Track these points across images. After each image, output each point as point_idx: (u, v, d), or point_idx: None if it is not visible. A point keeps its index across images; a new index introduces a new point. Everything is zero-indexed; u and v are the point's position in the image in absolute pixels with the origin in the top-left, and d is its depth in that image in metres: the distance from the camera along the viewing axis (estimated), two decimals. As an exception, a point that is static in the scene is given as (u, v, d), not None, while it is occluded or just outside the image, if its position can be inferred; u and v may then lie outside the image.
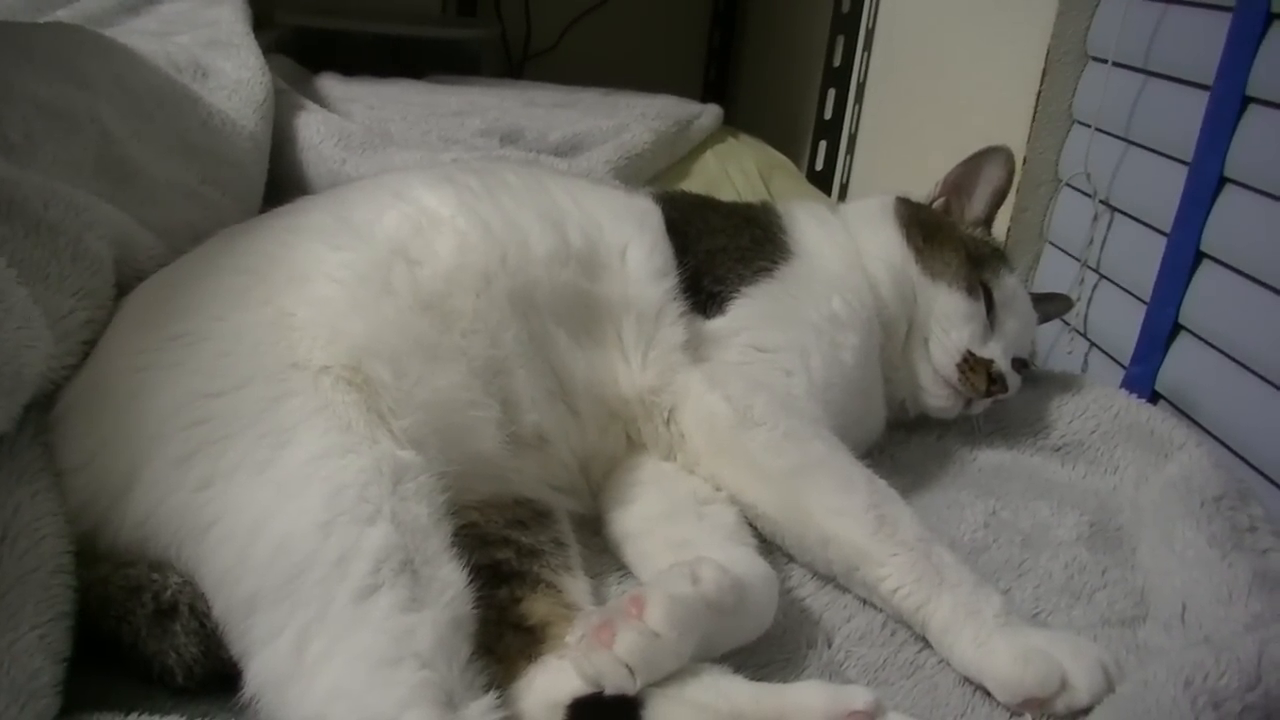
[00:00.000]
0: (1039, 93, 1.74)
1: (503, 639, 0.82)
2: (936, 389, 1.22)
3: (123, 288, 0.99)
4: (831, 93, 2.33)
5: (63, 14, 1.74)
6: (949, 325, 1.22)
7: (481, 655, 0.77)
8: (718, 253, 1.17)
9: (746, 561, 0.93)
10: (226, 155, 1.44)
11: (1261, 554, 1.03)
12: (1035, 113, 1.75)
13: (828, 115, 2.34)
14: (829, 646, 0.91)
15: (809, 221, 1.27)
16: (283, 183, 1.62)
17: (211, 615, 0.75)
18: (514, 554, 0.89)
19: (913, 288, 1.24)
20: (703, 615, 0.82)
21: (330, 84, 2.04)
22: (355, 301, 0.91)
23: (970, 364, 1.20)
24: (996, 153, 1.33)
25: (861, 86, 2.25)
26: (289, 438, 0.79)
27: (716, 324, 1.12)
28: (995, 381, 1.20)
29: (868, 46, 2.22)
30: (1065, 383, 1.35)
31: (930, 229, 1.28)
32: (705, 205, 1.29)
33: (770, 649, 0.89)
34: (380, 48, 2.42)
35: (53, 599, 0.74)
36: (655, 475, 1.07)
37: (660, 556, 0.95)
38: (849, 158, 2.29)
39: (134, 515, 0.80)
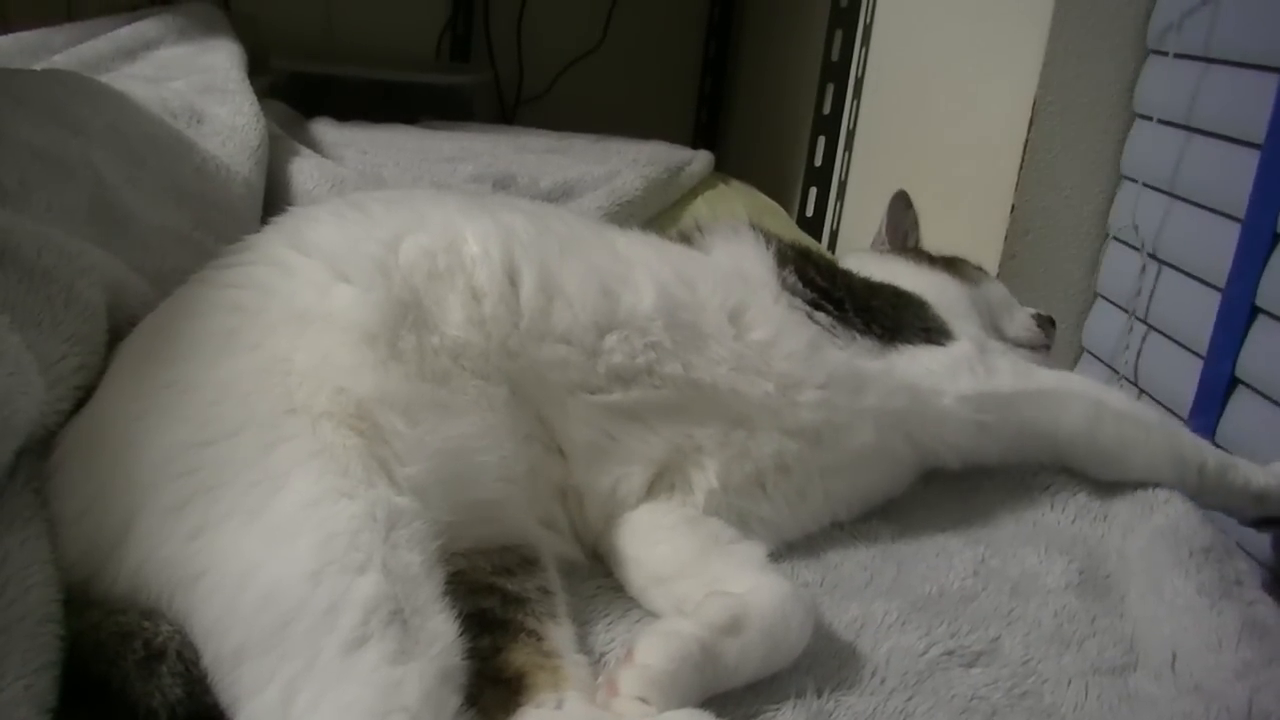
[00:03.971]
0: (1026, 142, 1.76)
1: (483, 692, 0.81)
2: (1036, 359, 1.38)
3: (115, 333, 0.98)
4: (821, 140, 2.35)
5: (59, 60, 1.75)
6: (1007, 305, 1.47)
7: (467, 708, 0.76)
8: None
9: (768, 586, 0.94)
10: (220, 201, 1.45)
11: (1248, 605, 1.03)
12: (1023, 161, 1.77)
13: (818, 162, 2.36)
14: (818, 696, 0.90)
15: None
16: (276, 228, 1.63)
17: (199, 662, 0.74)
18: (499, 602, 0.88)
19: (977, 307, 1.38)
20: (703, 640, 0.84)
21: (324, 129, 2.05)
22: (363, 363, 0.90)
23: (1039, 320, 1.47)
24: (899, 197, 1.58)
25: (851, 134, 2.27)
26: (281, 484, 0.78)
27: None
28: (1052, 323, 1.49)
29: (857, 94, 2.24)
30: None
31: (937, 259, 1.45)
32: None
33: (758, 699, 0.89)
34: (374, 93, 2.45)
35: (40, 649, 0.73)
36: (678, 521, 1.06)
37: (696, 597, 0.94)
38: (839, 204, 2.30)
39: (128, 565, 0.79)
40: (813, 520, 1.17)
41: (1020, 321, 1.46)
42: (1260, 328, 1.39)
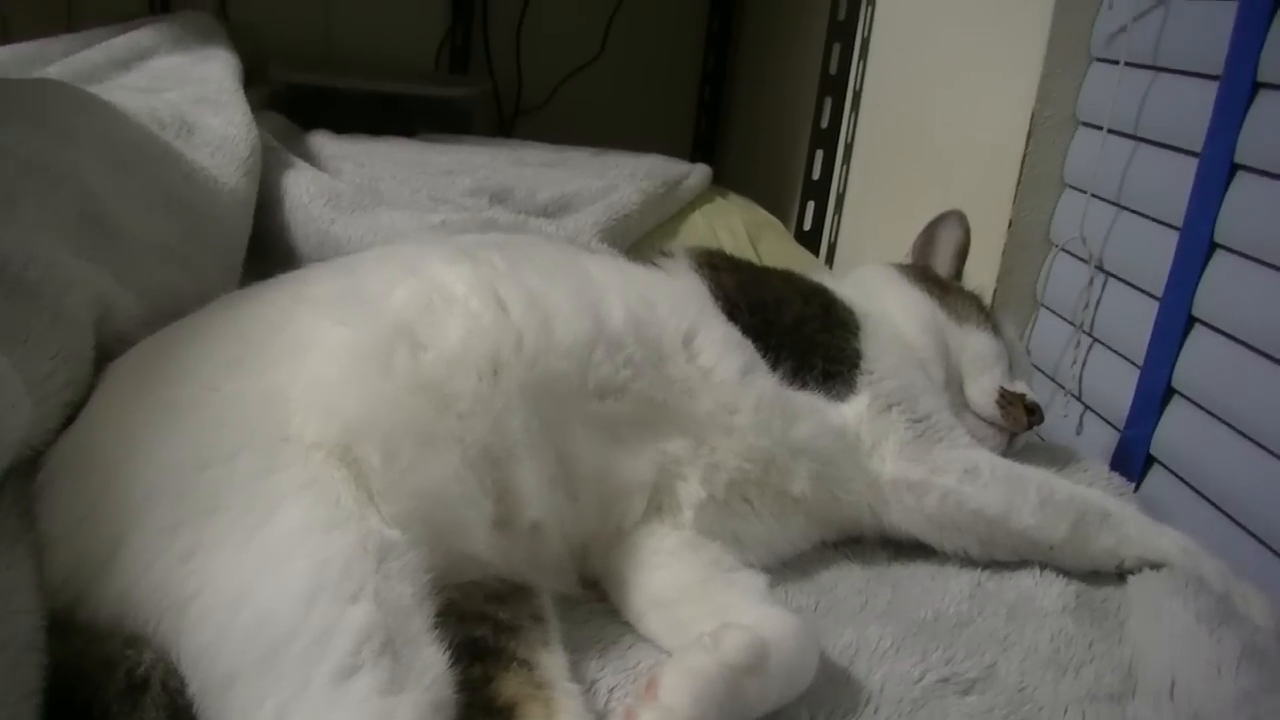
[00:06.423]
0: (1024, 156, 1.75)
1: None
2: (980, 431, 1.25)
3: (101, 349, 0.98)
4: (819, 153, 2.35)
5: (52, 70, 1.74)
6: (982, 366, 1.29)
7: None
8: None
9: (778, 619, 0.93)
10: (208, 211, 1.43)
11: (1248, 632, 1.02)
12: (1021, 175, 1.76)
13: (816, 176, 2.35)
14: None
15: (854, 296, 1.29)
16: (271, 241, 1.62)
17: (183, 692, 0.74)
18: (490, 630, 0.87)
19: (944, 337, 1.29)
20: (727, 679, 0.82)
21: (322, 141, 2.04)
22: (351, 381, 0.90)
23: (1008, 399, 1.27)
24: (950, 215, 1.47)
25: (849, 148, 2.26)
26: (275, 511, 0.78)
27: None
28: (1033, 412, 1.28)
29: (855, 108, 2.24)
30: (1051, 456, 1.35)
31: (939, 281, 1.36)
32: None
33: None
34: (373, 105, 2.44)
35: (22, 678, 0.72)
36: (678, 545, 1.05)
37: (700, 623, 0.92)
38: (837, 218, 2.30)
39: (116, 587, 0.78)
40: (802, 538, 1.16)
41: (980, 388, 1.28)
42: (1197, 337, 1.39)
